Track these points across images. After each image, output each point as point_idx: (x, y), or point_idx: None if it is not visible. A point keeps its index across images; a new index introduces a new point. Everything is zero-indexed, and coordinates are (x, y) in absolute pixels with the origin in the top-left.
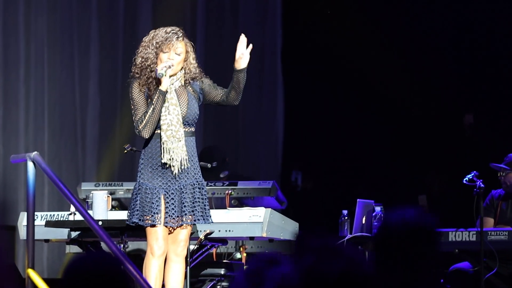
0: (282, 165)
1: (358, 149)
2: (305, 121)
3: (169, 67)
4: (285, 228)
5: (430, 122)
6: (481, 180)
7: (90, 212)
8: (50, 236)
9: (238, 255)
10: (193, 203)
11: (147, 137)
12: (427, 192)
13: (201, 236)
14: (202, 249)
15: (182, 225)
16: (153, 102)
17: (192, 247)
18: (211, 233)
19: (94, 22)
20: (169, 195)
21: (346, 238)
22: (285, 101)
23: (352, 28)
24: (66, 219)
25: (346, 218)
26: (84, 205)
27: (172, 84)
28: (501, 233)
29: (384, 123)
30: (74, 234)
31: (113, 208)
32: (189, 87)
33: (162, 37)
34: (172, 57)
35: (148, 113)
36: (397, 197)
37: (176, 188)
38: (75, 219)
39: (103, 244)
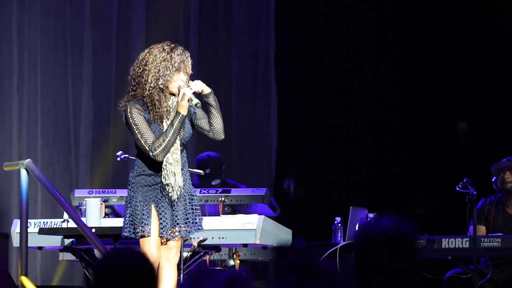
0: (276, 172)
1: (352, 156)
2: (299, 128)
3: (195, 93)
4: (279, 235)
5: (425, 128)
6: (473, 187)
7: (83, 219)
8: (43, 243)
9: (232, 262)
10: (185, 214)
11: (161, 160)
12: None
13: (195, 243)
14: (195, 256)
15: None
16: (173, 124)
17: (185, 254)
18: (204, 240)
19: (87, 29)
20: (160, 207)
21: (339, 245)
22: (279, 108)
23: (345, 34)
24: (60, 227)
25: (339, 225)
26: (78, 212)
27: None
28: (494, 240)
29: (378, 130)
30: (67, 241)
31: (106, 215)
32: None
33: (180, 59)
34: (182, 78)
35: (168, 136)
36: (390, 205)
37: (167, 201)
38: (69, 226)
39: (96, 252)
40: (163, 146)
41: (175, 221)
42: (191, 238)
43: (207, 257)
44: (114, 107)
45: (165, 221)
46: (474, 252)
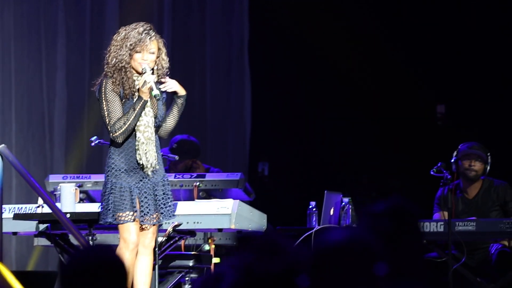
0: (250, 156)
1: (326, 140)
2: (273, 112)
3: (156, 82)
4: (253, 220)
5: (401, 111)
6: (448, 171)
7: (58, 204)
8: (18, 228)
9: (207, 247)
10: (165, 199)
11: (120, 142)
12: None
13: (169, 228)
14: (170, 241)
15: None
16: (134, 109)
17: (160, 239)
18: (179, 225)
19: (61, 14)
20: (142, 194)
21: (314, 229)
22: (253, 92)
23: (320, 17)
24: (34, 212)
25: (314, 209)
26: (52, 197)
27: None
28: (469, 224)
29: (353, 113)
30: (42, 226)
31: (81, 200)
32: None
33: (135, 38)
34: (145, 57)
35: (129, 120)
36: (365, 189)
37: (149, 187)
38: (43, 211)
39: (71, 237)
40: (123, 129)
41: (157, 207)
42: (166, 223)
43: (182, 242)
44: (88, 92)
45: (147, 208)
46: (448, 236)
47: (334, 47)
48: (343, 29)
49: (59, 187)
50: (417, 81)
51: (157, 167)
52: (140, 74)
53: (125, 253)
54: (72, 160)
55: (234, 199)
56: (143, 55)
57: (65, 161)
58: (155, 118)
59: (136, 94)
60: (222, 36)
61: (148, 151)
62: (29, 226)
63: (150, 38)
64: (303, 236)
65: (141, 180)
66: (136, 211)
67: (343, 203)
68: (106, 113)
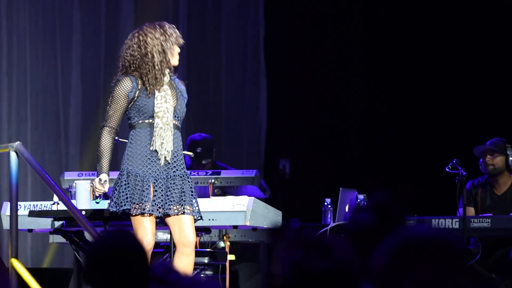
0: (271, 154)
1: (342, 138)
2: (288, 110)
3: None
4: (268, 217)
5: (416, 110)
6: (463, 168)
7: (73, 201)
8: (34, 226)
9: (222, 244)
10: (181, 193)
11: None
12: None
13: None
14: None
15: (169, 215)
16: (98, 163)
17: None
18: (194, 221)
19: (76, 12)
20: (157, 184)
21: (329, 226)
22: (268, 90)
23: (335, 13)
24: (50, 209)
25: (329, 206)
26: (68, 195)
27: (165, 76)
28: (484, 220)
29: (369, 111)
30: (57, 223)
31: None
32: (175, 84)
33: (173, 32)
34: (177, 50)
35: (98, 157)
36: (380, 186)
37: (163, 177)
38: (59, 208)
39: (86, 234)
40: (101, 138)
41: (167, 200)
42: None
43: (197, 239)
44: (103, 89)
45: (159, 198)
46: (463, 233)
47: (351, 45)
48: (359, 24)
49: (74, 184)
50: (436, 77)
51: (169, 156)
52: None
53: None
54: (87, 157)
55: (249, 196)
56: (176, 48)
57: (80, 159)
58: (175, 108)
59: (163, 88)
60: (237, 33)
61: (165, 137)
62: (45, 223)
63: (176, 30)
64: (319, 233)
65: (157, 169)
66: (146, 201)
67: (358, 200)
68: (108, 108)
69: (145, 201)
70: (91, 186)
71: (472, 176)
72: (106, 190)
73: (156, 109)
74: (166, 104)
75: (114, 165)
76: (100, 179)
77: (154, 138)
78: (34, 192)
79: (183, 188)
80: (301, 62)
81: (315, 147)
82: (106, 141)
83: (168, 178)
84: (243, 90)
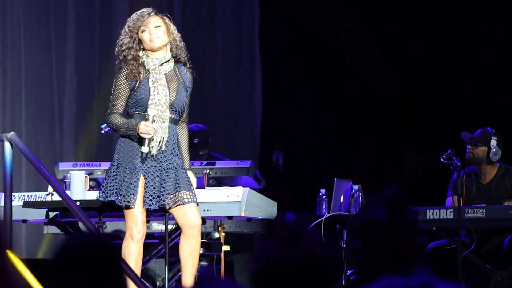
0: (265, 145)
1: (337, 128)
2: (284, 101)
3: (150, 139)
4: (263, 208)
5: (410, 101)
6: (458, 158)
7: (68, 192)
8: (28, 216)
9: (217, 235)
10: (176, 185)
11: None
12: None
13: None
14: (180, 228)
15: (168, 206)
16: (127, 128)
17: (170, 227)
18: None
19: (70, 2)
20: (149, 176)
21: (324, 217)
22: (263, 81)
23: (331, 5)
24: (44, 200)
25: (324, 197)
26: (62, 185)
27: (161, 65)
28: (479, 211)
29: (363, 102)
30: (52, 214)
31: (91, 188)
32: (179, 74)
33: (133, 19)
34: (153, 32)
35: (118, 128)
36: (374, 176)
37: (156, 170)
38: (53, 199)
39: (81, 225)
40: (111, 126)
41: (162, 191)
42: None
43: None
44: (98, 79)
45: (151, 190)
46: (458, 223)
47: (345, 35)
48: (355, 16)
49: (68, 175)
50: (430, 71)
51: (164, 148)
52: (153, 51)
53: (131, 244)
54: (81, 147)
55: (244, 186)
56: (149, 31)
57: (74, 149)
58: (172, 102)
59: (153, 73)
60: (232, 24)
61: (157, 128)
62: (39, 214)
63: (148, 14)
64: (313, 224)
65: (149, 162)
66: (133, 194)
67: (353, 191)
68: (111, 97)
69: (131, 193)
70: (85, 176)
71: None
72: (154, 127)
73: (149, 101)
74: (158, 95)
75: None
76: (140, 123)
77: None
78: (29, 182)
79: (177, 179)
80: (296, 54)
81: (310, 138)
82: (116, 117)
83: (161, 170)
84: (238, 81)
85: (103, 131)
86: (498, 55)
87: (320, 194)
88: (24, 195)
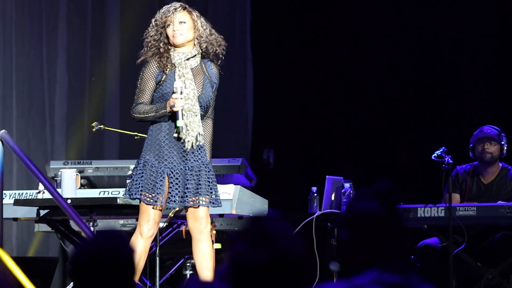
0: (255, 144)
1: (328, 126)
2: (275, 99)
3: (182, 111)
4: (255, 205)
5: (401, 98)
6: (449, 156)
7: (59, 190)
8: (19, 214)
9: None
10: (197, 185)
11: (136, 122)
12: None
13: (170, 213)
14: (171, 227)
15: (196, 205)
16: (156, 111)
17: (161, 225)
18: (180, 210)
19: (62, 0)
20: (174, 175)
21: (316, 214)
22: (255, 78)
23: (321, 4)
24: (35, 198)
25: (315, 195)
26: (53, 183)
27: (188, 59)
28: (470, 209)
29: (355, 99)
30: (43, 212)
31: (82, 186)
32: (205, 69)
33: (160, 13)
34: (176, 28)
35: (147, 116)
36: (366, 174)
37: (181, 169)
38: (44, 197)
39: (72, 223)
40: (139, 118)
41: (185, 191)
42: (167, 208)
43: (183, 228)
44: (89, 77)
45: (176, 189)
46: (449, 221)
47: (337, 34)
48: (346, 12)
49: (60, 173)
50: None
51: (202, 142)
52: (177, 46)
53: (139, 241)
54: (73, 145)
55: (235, 184)
56: (173, 26)
57: (66, 147)
58: (198, 97)
59: (180, 67)
60: (224, 23)
61: (190, 122)
62: (30, 212)
63: (174, 9)
64: (304, 222)
65: (174, 161)
66: (159, 193)
67: (345, 188)
68: (137, 90)
69: (157, 193)
70: (77, 174)
71: (458, 164)
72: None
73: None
74: (186, 89)
75: (100, 153)
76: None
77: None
78: (20, 180)
79: (199, 180)
80: (287, 53)
81: (301, 136)
82: (142, 106)
83: (186, 169)
84: (229, 80)
85: (94, 129)
86: (490, 52)
87: (311, 192)
88: (15, 193)
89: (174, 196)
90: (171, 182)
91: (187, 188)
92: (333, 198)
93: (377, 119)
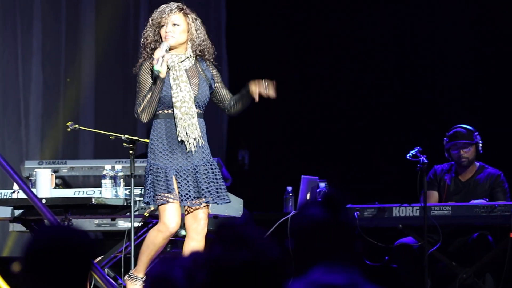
0: (230, 145)
1: (303, 126)
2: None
3: (163, 56)
4: (230, 205)
5: (376, 97)
6: (424, 156)
7: (33, 190)
8: None
9: (183, 232)
10: (207, 183)
11: (145, 121)
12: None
13: (145, 213)
14: (146, 226)
15: (194, 205)
16: (151, 87)
17: (136, 224)
18: (155, 210)
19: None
20: (181, 175)
21: (291, 214)
22: (230, 80)
23: (297, 3)
24: (10, 197)
25: (290, 194)
26: (28, 183)
27: (182, 61)
28: (445, 208)
29: (330, 99)
30: (17, 212)
31: (57, 186)
32: (200, 69)
33: (157, 13)
34: (169, 29)
35: (147, 98)
36: (341, 173)
37: (188, 169)
38: (19, 197)
39: (47, 222)
40: (142, 106)
41: (200, 190)
42: (142, 208)
43: None
44: (64, 77)
45: (186, 189)
46: (424, 221)
47: (312, 33)
48: (321, 11)
49: (34, 173)
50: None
51: (203, 142)
52: (172, 49)
53: (158, 235)
54: (48, 145)
55: None
56: (166, 27)
57: (40, 147)
58: (195, 97)
59: (172, 72)
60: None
61: (188, 125)
62: (4, 212)
63: (170, 10)
64: (280, 221)
65: (179, 161)
66: (170, 191)
67: (320, 188)
68: (137, 93)
69: (168, 191)
70: (51, 174)
71: (434, 163)
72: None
73: (173, 99)
74: (182, 93)
75: (75, 153)
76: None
77: (178, 129)
78: None
79: (208, 178)
80: (263, 53)
81: (276, 136)
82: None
83: (193, 168)
84: None
85: (69, 129)
86: (465, 51)
87: (287, 191)
88: None
89: (185, 196)
90: (179, 183)
91: (196, 188)
92: (308, 197)
93: (352, 119)
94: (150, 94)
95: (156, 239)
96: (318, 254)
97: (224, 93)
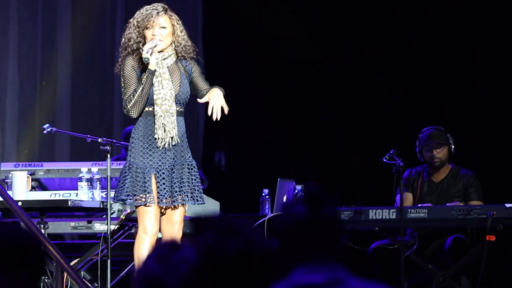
0: (207, 147)
1: (280, 128)
2: (226, 101)
3: (154, 47)
4: (206, 207)
5: (351, 100)
6: (400, 158)
7: (9, 192)
8: None
9: (159, 235)
10: (181, 183)
11: (135, 117)
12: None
13: (122, 216)
14: (122, 229)
15: (174, 205)
16: (142, 81)
17: (112, 227)
18: (132, 212)
19: (12, 1)
20: (160, 175)
21: (267, 216)
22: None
23: (274, 6)
24: None
25: (267, 197)
26: (4, 185)
27: (164, 59)
28: (421, 211)
29: (306, 102)
30: None
31: (33, 188)
32: (181, 66)
33: (142, 14)
34: (156, 32)
35: (138, 93)
36: (320, 177)
37: (166, 168)
38: None
39: (23, 225)
40: (133, 101)
41: (173, 190)
42: (118, 210)
43: (134, 230)
44: (40, 79)
45: (164, 189)
46: (401, 223)
47: (289, 34)
48: (298, 15)
49: (10, 175)
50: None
51: (178, 141)
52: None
53: (145, 239)
54: (24, 148)
55: None
56: (153, 30)
57: (17, 149)
58: (176, 95)
59: (160, 71)
60: None
61: (167, 123)
62: None
63: (157, 12)
64: (256, 224)
65: (159, 160)
66: (149, 192)
67: (296, 191)
68: (123, 89)
69: (147, 192)
70: (28, 176)
71: (409, 166)
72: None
73: (155, 97)
74: (163, 90)
75: (51, 155)
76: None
77: (156, 127)
78: None
79: (182, 179)
80: (239, 54)
81: (253, 138)
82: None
83: (172, 167)
84: None
85: (45, 131)
86: (439, 53)
87: (263, 194)
88: None
89: (163, 196)
90: (158, 182)
91: (174, 186)
92: (284, 200)
93: (328, 122)
94: (141, 88)
95: (143, 244)
96: (300, 253)
97: (200, 83)
